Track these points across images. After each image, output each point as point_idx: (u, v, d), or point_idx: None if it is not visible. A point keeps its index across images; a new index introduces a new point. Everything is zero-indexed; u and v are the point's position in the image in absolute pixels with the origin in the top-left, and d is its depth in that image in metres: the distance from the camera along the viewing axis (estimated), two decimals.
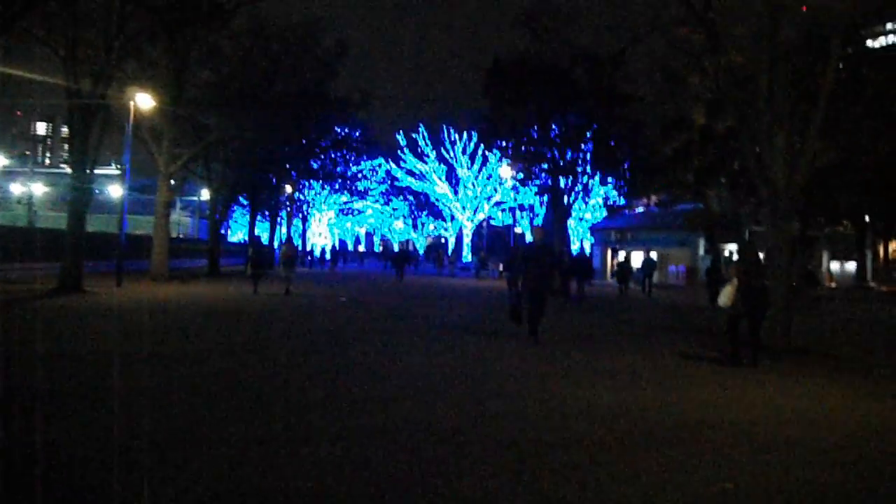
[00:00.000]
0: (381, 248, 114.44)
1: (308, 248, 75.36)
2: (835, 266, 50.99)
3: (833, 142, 15.56)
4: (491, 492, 5.33)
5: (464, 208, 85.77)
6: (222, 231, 58.17)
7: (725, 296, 12.65)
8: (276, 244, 59.06)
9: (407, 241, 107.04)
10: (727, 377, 11.06)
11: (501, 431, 7.16)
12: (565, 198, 37.64)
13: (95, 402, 7.85)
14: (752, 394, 9.75)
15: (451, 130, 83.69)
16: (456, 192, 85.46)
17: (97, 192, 43.70)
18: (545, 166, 38.45)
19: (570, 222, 53.90)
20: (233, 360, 11.06)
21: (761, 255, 13.91)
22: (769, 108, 14.68)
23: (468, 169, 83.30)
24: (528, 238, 76.55)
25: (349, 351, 12.47)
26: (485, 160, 79.47)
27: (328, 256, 64.95)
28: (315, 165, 59.96)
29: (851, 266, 49.90)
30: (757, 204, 34.84)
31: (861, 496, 5.65)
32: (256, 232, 52.10)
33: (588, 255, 47.10)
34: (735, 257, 13.78)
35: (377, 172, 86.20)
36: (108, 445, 6.16)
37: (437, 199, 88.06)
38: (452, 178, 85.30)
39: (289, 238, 32.07)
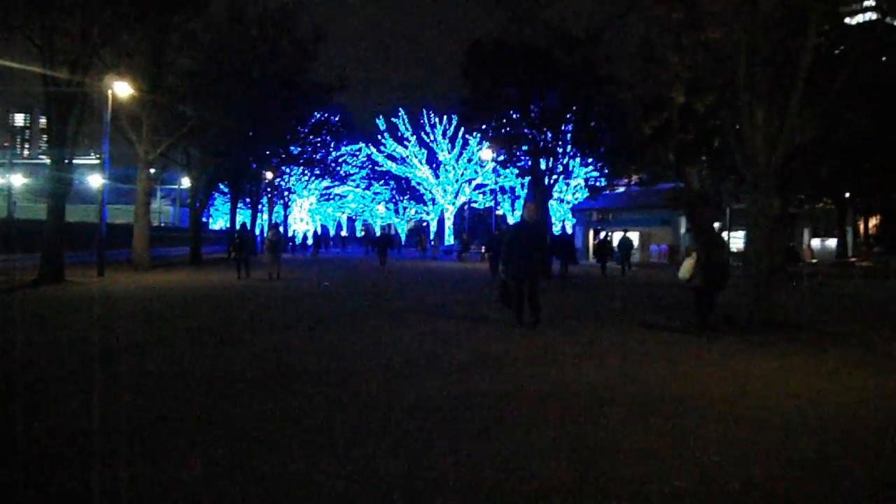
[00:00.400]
0: (363, 233, 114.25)
1: (290, 234, 75.16)
2: (815, 242, 51.28)
3: (812, 118, 15.60)
4: (474, 465, 5.37)
5: (445, 191, 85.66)
6: (203, 219, 57.88)
7: (685, 269, 13.73)
8: (257, 231, 59.19)
9: (389, 224, 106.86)
10: (709, 351, 11.17)
11: (482, 408, 7.21)
12: (546, 179, 37.64)
13: (80, 390, 7.82)
14: (733, 368, 9.84)
15: (431, 114, 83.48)
16: (437, 176, 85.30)
17: (76, 182, 43.33)
18: (525, 148, 38.42)
19: (553, 203, 53.94)
20: (220, 344, 11.04)
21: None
22: (748, 84, 14.73)
23: (448, 152, 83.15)
24: (511, 218, 76.25)
25: (333, 333, 12.47)
26: (465, 143, 79.35)
27: (310, 242, 64.80)
28: (295, 151, 59.71)
29: (832, 242, 50.18)
30: (738, 182, 34.98)
31: (842, 466, 5.71)
32: (239, 219, 51.98)
33: (571, 235, 47.31)
34: (693, 234, 14.52)
35: (357, 157, 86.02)
36: (91, 433, 6.16)
37: (418, 183, 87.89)
38: (433, 162, 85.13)
39: (274, 224, 32.49)
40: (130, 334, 11.82)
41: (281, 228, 64.23)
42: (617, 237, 44.78)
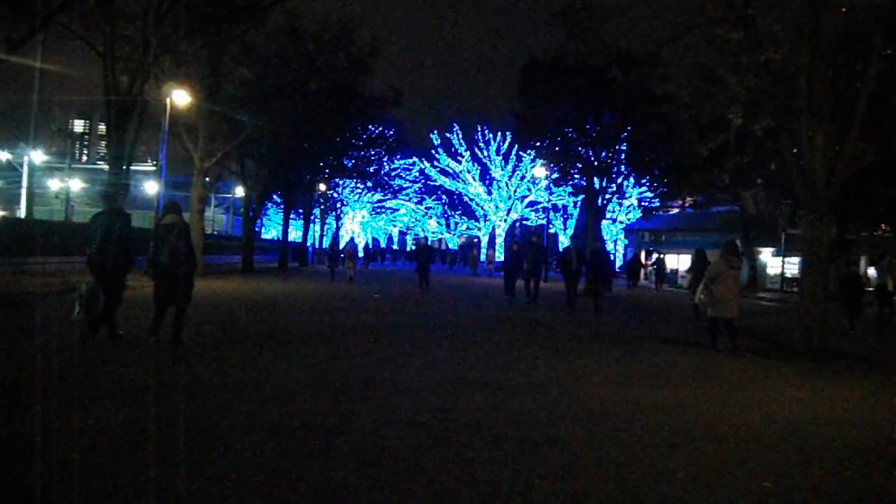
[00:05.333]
0: (413, 248, 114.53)
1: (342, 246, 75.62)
2: (872, 270, 50.31)
3: (874, 142, 15.28)
4: (525, 486, 5.28)
5: (497, 208, 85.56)
6: (256, 228, 58.46)
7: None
8: (308, 242, 60.35)
9: (440, 239, 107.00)
10: (774, 379, 10.94)
11: (530, 428, 7.10)
12: (599, 198, 37.42)
13: (138, 391, 7.86)
14: (786, 394, 9.61)
15: (486, 130, 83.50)
16: (489, 192, 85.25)
17: (133, 187, 44.10)
18: (579, 166, 38.23)
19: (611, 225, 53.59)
20: (275, 348, 11.07)
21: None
22: (809, 106, 14.46)
23: (502, 169, 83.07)
24: (563, 237, 75.40)
25: (383, 346, 12.45)
26: (519, 160, 79.19)
27: (361, 254, 65.31)
28: (348, 164, 60.09)
29: None
30: (794, 206, 34.48)
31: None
32: (290, 230, 52.76)
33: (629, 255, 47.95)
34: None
35: (410, 171, 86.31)
36: (145, 432, 6.17)
37: (470, 199, 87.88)
38: (486, 178, 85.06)
39: (351, 238, 38.23)
40: (188, 336, 11.91)
41: (329, 240, 65.25)
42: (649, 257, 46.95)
